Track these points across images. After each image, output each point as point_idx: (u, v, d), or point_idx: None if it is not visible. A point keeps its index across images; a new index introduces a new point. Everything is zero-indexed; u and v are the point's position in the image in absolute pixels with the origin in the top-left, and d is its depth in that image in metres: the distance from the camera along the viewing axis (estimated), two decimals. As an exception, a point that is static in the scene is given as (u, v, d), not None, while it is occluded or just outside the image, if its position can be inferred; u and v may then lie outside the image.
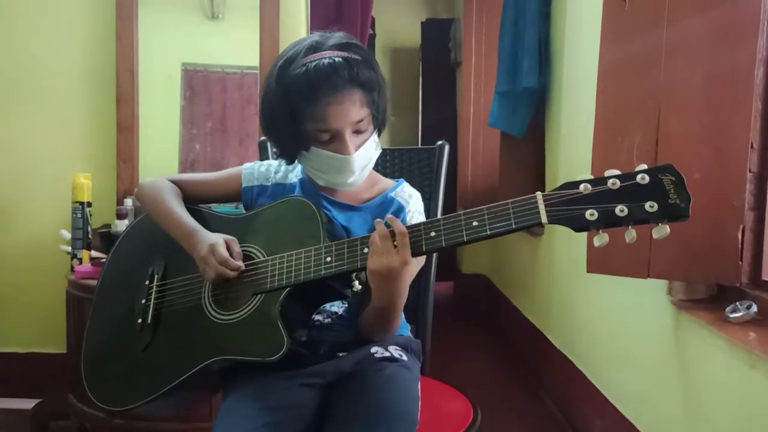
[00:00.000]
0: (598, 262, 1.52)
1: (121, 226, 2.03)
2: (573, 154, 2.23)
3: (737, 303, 1.30)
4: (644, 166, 0.85)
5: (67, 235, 1.99)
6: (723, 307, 1.34)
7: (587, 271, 1.53)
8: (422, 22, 4.44)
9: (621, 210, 0.82)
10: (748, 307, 1.28)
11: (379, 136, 1.10)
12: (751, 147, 1.30)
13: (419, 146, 1.43)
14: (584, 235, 1.56)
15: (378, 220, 0.94)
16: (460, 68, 4.17)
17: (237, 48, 2.40)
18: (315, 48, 1.02)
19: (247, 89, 2.36)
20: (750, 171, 1.31)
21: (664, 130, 1.38)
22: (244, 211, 1.16)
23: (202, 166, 2.33)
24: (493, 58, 3.09)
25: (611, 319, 1.88)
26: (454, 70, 4.34)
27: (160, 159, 2.33)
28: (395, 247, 0.90)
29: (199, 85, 2.34)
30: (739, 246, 1.29)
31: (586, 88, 2.09)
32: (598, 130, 1.53)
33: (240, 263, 1.01)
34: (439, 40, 4.34)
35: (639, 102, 1.44)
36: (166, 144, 2.34)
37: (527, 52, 2.40)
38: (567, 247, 2.27)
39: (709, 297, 1.46)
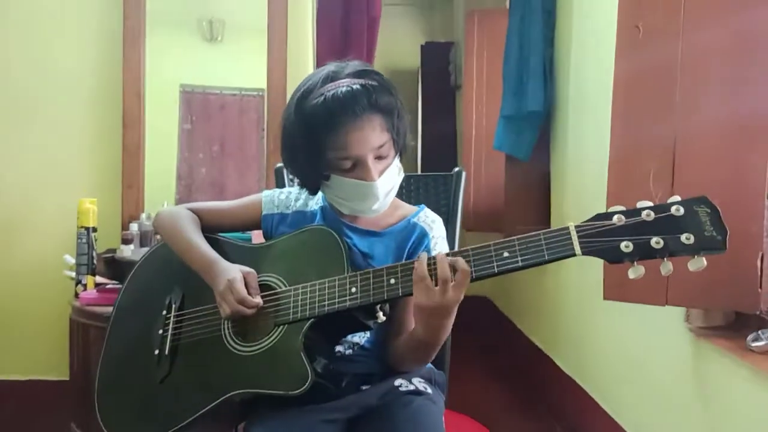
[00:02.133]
0: (616, 289, 1.50)
1: (127, 251, 2.00)
2: (580, 177, 2.23)
3: (759, 332, 1.29)
4: (677, 198, 0.84)
5: (71, 260, 1.96)
6: (742, 335, 1.33)
7: (604, 298, 1.51)
8: (422, 46, 4.47)
9: (657, 242, 0.81)
10: (770, 336, 1.27)
11: (401, 160, 1.08)
12: (769, 174, 1.30)
13: (436, 173, 1.42)
14: (596, 260, 1.56)
15: (437, 256, 0.90)
16: (460, 91, 4.19)
17: (236, 70, 2.40)
18: (332, 78, 1.02)
19: (246, 112, 2.36)
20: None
21: (681, 156, 1.38)
22: (251, 239, 1.14)
23: (201, 188, 2.31)
24: (494, 82, 3.10)
25: (625, 345, 1.86)
26: (453, 92, 4.37)
27: (160, 182, 2.32)
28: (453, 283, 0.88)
29: (198, 107, 2.32)
30: (759, 273, 1.28)
31: (593, 111, 2.10)
32: (613, 157, 1.52)
33: (258, 300, 0.99)
34: (438, 63, 4.37)
35: (655, 128, 1.44)
36: (166, 167, 2.32)
37: (532, 76, 2.42)
38: (577, 271, 2.25)
39: (726, 324, 1.45)
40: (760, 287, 1.29)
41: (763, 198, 1.30)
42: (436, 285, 0.89)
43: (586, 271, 2.12)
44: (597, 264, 1.80)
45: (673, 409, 1.55)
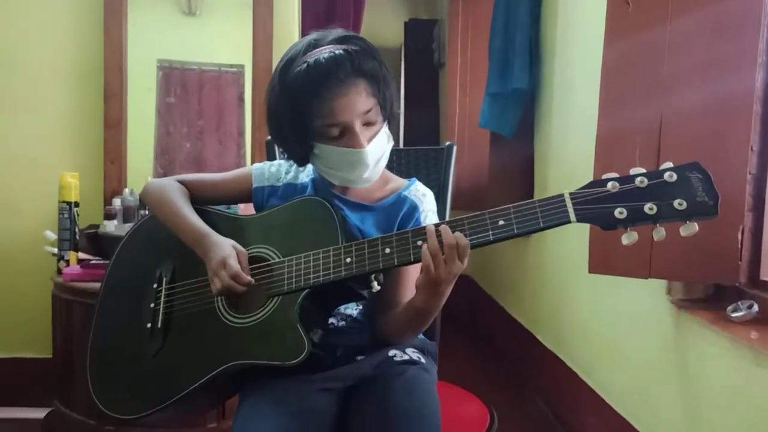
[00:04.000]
0: (600, 263, 1.53)
1: (110, 226, 1.98)
2: (564, 155, 2.25)
3: (738, 302, 1.33)
4: (670, 164, 0.85)
5: (51, 236, 1.93)
6: (722, 307, 1.36)
7: (589, 272, 1.54)
8: (405, 22, 4.43)
9: (650, 208, 0.82)
10: (750, 307, 1.31)
11: (389, 128, 1.08)
12: (751, 150, 1.33)
13: (427, 146, 1.42)
14: (578, 234, 1.58)
15: (441, 228, 0.89)
16: (443, 69, 4.18)
17: (215, 45, 2.36)
18: (314, 45, 1.01)
19: (225, 88, 2.32)
20: (750, 173, 1.34)
21: (667, 133, 1.40)
22: (237, 212, 1.13)
23: (181, 165, 2.28)
24: (478, 59, 3.10)
25: (606, 320, 1.90)
26: (437, 70, 4.35)
27: (139, 158, 2.28)
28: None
29: (176, 82, 2.28)
30: (739, 246, 1.31)
31: (578, 89, 2.11)
32: (600, 134, 1.54)
33: (250, 278, 0.98)
34: (422, 40, 4.34)
35: (641, 104, 1.46)
36: (144, 143, 2.28)
37: (518, 53, 2.42)
38: (558, 247, 2.29)
39: (706, 296, 1.49)
40: (740, 259, 1.32)
41: (744, 173, 1.33)
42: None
43: (567, 248, 2.15)
44: (577, 240, 1.84)
45: (654, 380, 1.59)
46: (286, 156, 1.12)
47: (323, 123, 0.99)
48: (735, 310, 1.32)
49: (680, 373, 1.48)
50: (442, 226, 0.89)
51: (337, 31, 1.03)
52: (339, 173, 1.04)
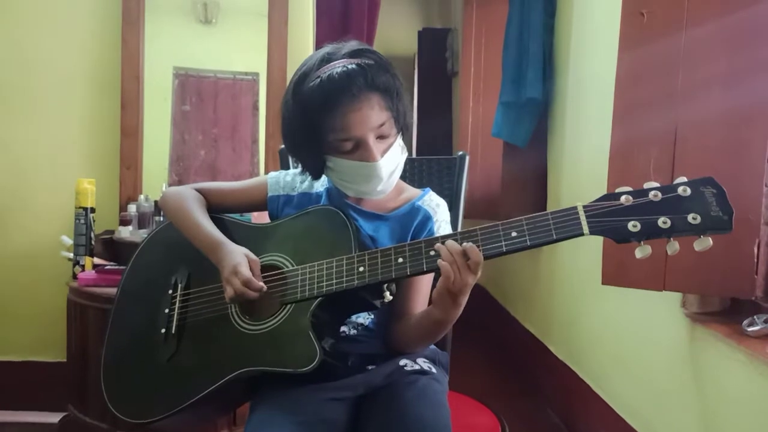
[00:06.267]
0: (614, 275, 1.52)
1: (125, 232, 2.00)
2: (577, 165, 2.25)
3: (754, 317, 1.31)
4: (684, 179, 0.85)
5: (68, 241, 1.95)
6: (737, 320, 1.35)
7: (602, 283, 1.53)
8: (419, 32, 4.46)
9: (664, 222, 0.82)
10: (766, 321, 1.29)
11: (403, 139, 1.08)
12: (768, 162, 1.32)
13: (440, 156, 1.42)
14: (591, 245, 1.57)
15: (451, 243, 0.90)
16: (456, 78, 4.19)
17: (230, 53, 2.38)
18: (327, 59, 1.01)
19: (239, 95, 2.34)
20: (766, 186, 1.33)
21: (682, 145, 1.39)
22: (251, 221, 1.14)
23: (196, 171, 2.30)
24: (492, 68, 3.10)
25: (619, 331, 1.89)
26: (450, 79, 4.37)
27: (155, 165, 2.30)
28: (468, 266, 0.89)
29: (192, 90, 2.30)
30: (755, 260, 1.30)
31: (592, 99, 2.11)
32: (614, 146, 1.53)
33: (262, 284, 0.99)
34: (435, 49, 4.36)
35: (656, 115, 1.46)
36: (159, 150, 2.30)
37: (532, 63, 2.42)
38: (571, 258, 2.28)
39: (722, 310, 1.47)
40: (756, 273, 1.31)
41: (761, 186, 1.32)
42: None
43: (580, 259, 2.14)
44: (590, 251, 1.83)
45: (668, 393, 1.58)
46: (302, 171, 1.12)
47: (337, 137, 1.00)
48: (751, 324, 1.30)
49: (695, 387, 1.46)
50: (449, 240, 0.89)
51: (351, 44, 1.04)
52: (353, 186, 1.05)
